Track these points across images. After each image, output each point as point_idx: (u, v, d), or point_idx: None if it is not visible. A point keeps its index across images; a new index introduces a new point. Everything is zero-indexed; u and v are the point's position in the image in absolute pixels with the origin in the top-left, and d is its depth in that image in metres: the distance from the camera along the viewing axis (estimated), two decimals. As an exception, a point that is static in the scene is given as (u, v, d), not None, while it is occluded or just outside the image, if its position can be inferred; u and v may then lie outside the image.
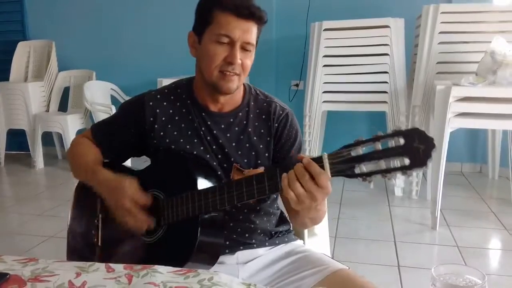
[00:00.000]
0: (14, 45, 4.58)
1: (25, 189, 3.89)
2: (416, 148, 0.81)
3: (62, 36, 4.61)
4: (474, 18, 3.12)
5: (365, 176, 0.86)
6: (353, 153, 0.87)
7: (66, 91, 4.57)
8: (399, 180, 3.36)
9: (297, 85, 4.15)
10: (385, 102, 3.32)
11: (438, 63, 3.18)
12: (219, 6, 1.12)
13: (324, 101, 3.47)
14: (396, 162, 0.83)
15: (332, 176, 0.90)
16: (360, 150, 0.86)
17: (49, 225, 2.97)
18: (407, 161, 0.82)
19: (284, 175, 0.95)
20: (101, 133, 1.33)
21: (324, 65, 3.40)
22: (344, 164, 0.88)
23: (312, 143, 3.52)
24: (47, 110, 4.49)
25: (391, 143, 0.84)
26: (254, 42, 1.16)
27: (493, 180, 3.77)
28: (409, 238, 2.67)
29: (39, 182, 4.17)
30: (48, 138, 4.56)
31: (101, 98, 4.27)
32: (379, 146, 0.84)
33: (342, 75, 3.40)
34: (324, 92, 3.45)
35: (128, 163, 1.41)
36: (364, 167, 0.86)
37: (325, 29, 3.36)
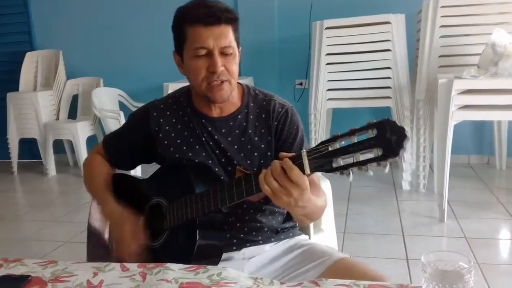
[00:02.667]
0: (22, 56, 4.66)
1: (38, 196, 3.97)
2: (388, 139, 0.82)
3: (68, 45, 4.69)
4: (474, 10, 3.14)
5: (342, 169, 0.88)
6: (330, 148, 0.89)
7: (74, 99, 4.65)
8: (406, 174, 3.39)
9: (301, 84, 4.19)
10: (389, 97, 3.35)
11: (440, 56, 3.20)
12: (187, 21, 1.16)
13: (329, 99, 3.50)
14: (370, 154, 0.85)
15: (312, 171, 0.92)
16: (337, 145, 0.88)
17: (64, 230, 3.04)
18: (380, 152, 0.83)
19: (263, 171, 0.99)
20: (111, 145, 1.40)
21: (327, 63, 3.44)
22: (322, 159, 0.90)
23: (318, 141, 3.55)
24: (57, 118, 4.56)
25: (365, 135, 0.85)
26: (233, 44, 1.17)
27: (500, 170, 3.78)
28: (417, 231, 2.70)
29: (52, 189, 4.25)
30: (59, 146, 4.64)
31: (109, 104, 4.33)
32: (355, 139, 0.86)
33: (346, 72, 3.43)
34: (328, 90, 3.48)
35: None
36: (341, 161, 0.88)
37: (327, 28, 3.39)
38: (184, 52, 1.20)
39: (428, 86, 3.22)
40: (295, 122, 1.28)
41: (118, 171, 1.43)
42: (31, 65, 4.72)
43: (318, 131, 3.54)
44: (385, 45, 3.30)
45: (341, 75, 3.45)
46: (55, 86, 4.55)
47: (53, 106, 4.56)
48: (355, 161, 0.86)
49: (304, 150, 0.93)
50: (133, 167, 1.44)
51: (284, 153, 0.99)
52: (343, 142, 0.88)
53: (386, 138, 0.82)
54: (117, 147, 1.39)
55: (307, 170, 0.92)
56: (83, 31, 4.70)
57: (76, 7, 4.67)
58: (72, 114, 4.63)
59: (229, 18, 1.15)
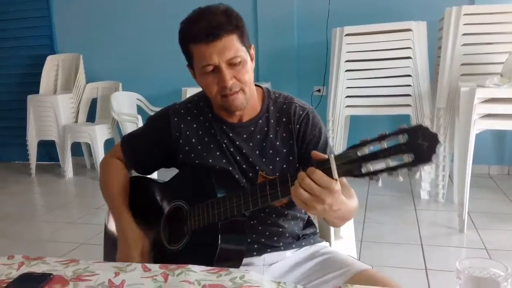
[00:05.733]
0: (43, 59, 4.74)
1: (55, 198, 4.00)
2: (420, 144, 0.81)
3: (89, 49, 4.75)
4: (497, 19, 3.09)
5: (372, 175, 0.87)
6: (359, 153, 0.87)
7: (93, 102, 4.70)
8: (424, 183, 3.34)
9: (319, 90, 4.17)
10: (409, 105, 3.32)
11: (462, 65, 3.16)
12: (189, 40, 1.15)
13: (347, 106, 3.47)
14: (400, 159, 0.84)
15: (339, 176, 0.91)
16: (366, 150, 0.87)
17: (80, 232, 3.06)
18: (411, 158, 0.82)
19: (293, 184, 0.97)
20: (129, 147, 1.38)
21: (347, 70, 3.42)
22: (350, 164, 0.89)
23: (336, 148, 3.52)
24: (76, 121, 4.61)
25: (396, 141, 0.84)
26: (240, 53, 1.14)
27: (521, 182, 3.71)
28: (436, 241, 2.65)
29: (69, 191, 4.29)
30: (77, 149, 4.68)
31: (127, 108, 4.36)
32: (384, 144, 0.85)
33: (365, 79, 3.40)
34: (347, 97, 3.46)
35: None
36: (370, 166, 0.87)
37: (347, 34, 3.37)
38: (194, 68, 1.20)
39: (449, 95, 3.17)
40: (317, 123, 1.26)
41: (135, 173, 1.41)
42: (52, 68, 4.79)
43: (336, 138, 3.51)
44: (406, 52, 3.27)
45: (361, 82, 3.42)
46: (75, 90, 4.60)
47: (73, 109, 4.61)
48: (385, 166, 0.85)
49: (332, 155, 0.92)
50: (151, 171, 1.41)
51: (317, 153, 0.97)
52: (371, 147, 0.87)
53: (418, 144, 0.81)
54: (135, 150, 1.36)
55: (335, 175, 0.91)
56: (103, 36, 4.75)
57: (97, 12, 4.74)
58: (91, 118, 4.67)
59: (230, 30, 1.12)
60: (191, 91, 3.65)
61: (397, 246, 2.62)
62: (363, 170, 0.87)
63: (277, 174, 1.22)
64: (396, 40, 3.28)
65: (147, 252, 1.23)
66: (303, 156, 1.25)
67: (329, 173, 0.92)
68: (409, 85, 3.29)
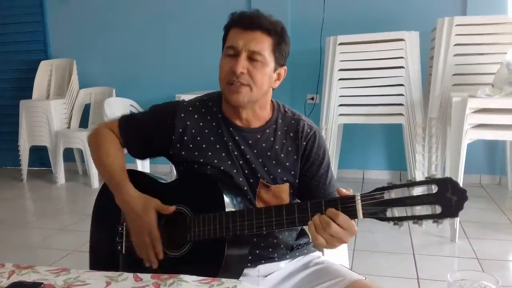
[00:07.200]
0: (37, 64, 4.71)
1: (47, 204, 3.97)
2: (449, 198, 0.84)
3: (82, 55, 4.74)
4: (489, 30, 3.13)
5: (397, 220, 0.89)
6: (385, 196, 0.89)
7: (87, 108, 4.68)
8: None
9: (312, 98, 4.19)
10: (401, 114, 3.34)
11: (454, 75, 3.19)
12: (232, 24, 1.20)
13: (340, 114, 3.49)
14: (427, 209, 0.86)
15: (363, 217, 0.93)
16: (393, 194, 0.89)
17: (71, 239, 3.03)
18: (438, 210, 0.84)
19: (310, 223, 0.99)
20: (128, 129, 1.32)
21: (340, 79, 3.44)
22: (376, 207, 0.91)
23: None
24: (69, 127, 4.59)
25: (424, 190, 0.86)
26: (265, 53, 1.16)
27: (513, 191, 3.73)
28: (428, 251, 2.65)
29: (60, 198, 4.25)
30: (69, 154, 4.65)
31: (121, 114, 4.34)
32: (412, 191, 0.87)
33: (358, 88, 3.42)
34: (340, 105, 3.48)
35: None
36: (396, 211, 0.89)
37: (340, 43, 3.39)
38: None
39: (441, 104, 3.20)
40: (322, 144, 1.28)
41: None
42: (45, 73, 4.77)
43: (329, 146, 3.52)
44: (399, 62, 3.29)
45: (354, 91, 3.44)
46: (68, 95, 4.58)
47: (65, 114, 4.59)
48: (411, 214, 0.87)
49: (358, 194, 0.94)
50: (142, 157, 1.38)
51: (341, 189, 1.00)
52: (399, 192, 0.89)
53: (447, 197, 0.84)
54: (133, 133, 1.32)
55: (360, 215, 0.93)
56: (97, 41, 4.75)
57: (91, 18, 4.74)
58: (84, 123, 4.65)
59: (267, 31, 1.16)
60: (185, 97, 3.62)
61: (389, 255, 2.62)
62: (388, 214, 0.90)
63: (277, 184, 1.23)
64: (389, 49, 3.31)
65: (162, 209, 1.16)
66: (304, 173, 1.26)
67: (352, 212, 0.94)
68: (402, 95, 3.31)
